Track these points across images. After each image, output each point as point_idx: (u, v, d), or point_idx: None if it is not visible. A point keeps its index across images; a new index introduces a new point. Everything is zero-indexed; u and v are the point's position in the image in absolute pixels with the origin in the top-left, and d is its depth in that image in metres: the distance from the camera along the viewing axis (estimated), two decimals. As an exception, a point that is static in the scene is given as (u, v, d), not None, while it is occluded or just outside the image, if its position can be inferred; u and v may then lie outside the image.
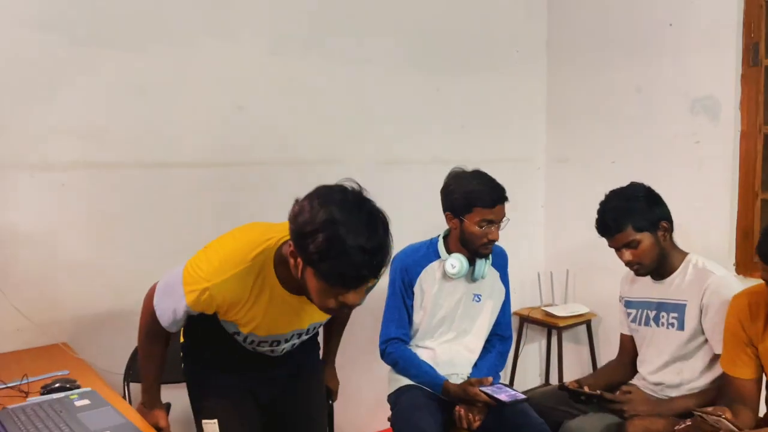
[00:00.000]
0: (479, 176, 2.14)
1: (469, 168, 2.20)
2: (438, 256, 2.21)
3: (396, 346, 2.20)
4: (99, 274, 2.24)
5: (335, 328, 2.01)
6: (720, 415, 1.42)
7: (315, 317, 1.61)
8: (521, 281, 3.34)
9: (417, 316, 2.21)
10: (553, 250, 3.49)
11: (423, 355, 2.20)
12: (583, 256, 3.32)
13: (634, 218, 1.92)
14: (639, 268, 1.97)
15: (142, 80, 2.28)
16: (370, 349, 2.33)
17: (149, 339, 1.67)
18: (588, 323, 3.24)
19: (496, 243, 2.25)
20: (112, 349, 2.19)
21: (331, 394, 2.05)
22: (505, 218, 2.13)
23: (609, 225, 1.95)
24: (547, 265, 3.46)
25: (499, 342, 2.30)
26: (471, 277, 2.19)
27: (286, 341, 1.67)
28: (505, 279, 2.34)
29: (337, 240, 1.21)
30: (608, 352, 3.23)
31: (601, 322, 3.28)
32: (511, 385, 2.93)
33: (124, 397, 1.99)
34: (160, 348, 1.68)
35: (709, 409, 1.48)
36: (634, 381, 2.08)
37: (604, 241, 3.20)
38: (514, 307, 3.33)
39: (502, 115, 3.32)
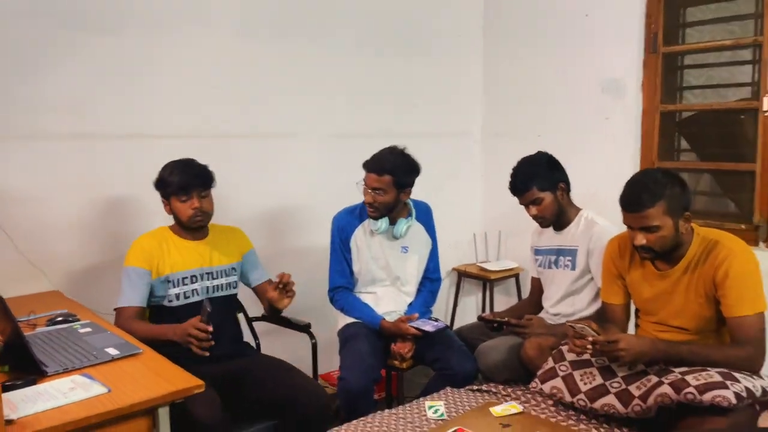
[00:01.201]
0: (386, 149, 2.53)
1: (412, 145, 2.60)
2: (366, 217, 2.59)
3: (341, 294, 2.62)
4: (87, 232, 2.58)
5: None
6: (584, 324, 1.87)
7: (215, 260, 2.33)
8: (459, 241, 3.79)
9: (356, 267, 2.61)
10: (489, 214, 3.94)
11: (366, 298, 2.61)
12: (514, 219, 3.76)
13: (537, 180, 2.35)
14: (542, 221, 2.41)
15: (124, 60, 2.60)
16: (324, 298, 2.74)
17: (136, 326, 2.13)
18: (517, 276, 3.71)
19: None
20: (100, 295, 2.53)
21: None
22: (376, 189, 2.46)
23: (518, 186, 2.38)
24: (483, 226, 3.91)
25: (429, 283, 2.73)
26: (393, 235, 2.58)
27: (201, 278, 2.29)
28: (431, 231, 2.73)
29: (171, 173, 2.24)
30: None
31: (527, 274, 3.73)
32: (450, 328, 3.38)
33: None
34: (141, 323, 2.20)
35: (580, 321, 1.94)
36: (541, 315, 2.53)
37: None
38: (454, 263, 3.79)
39: (445, 93, 3.72)
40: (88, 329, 1.98)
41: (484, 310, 3.92)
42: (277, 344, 2.68)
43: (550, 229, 2.50)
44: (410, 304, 2.64)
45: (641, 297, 2.08)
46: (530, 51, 3.61)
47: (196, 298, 2.28)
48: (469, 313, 3.95)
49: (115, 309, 2.20)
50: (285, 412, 2.10)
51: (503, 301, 3.85)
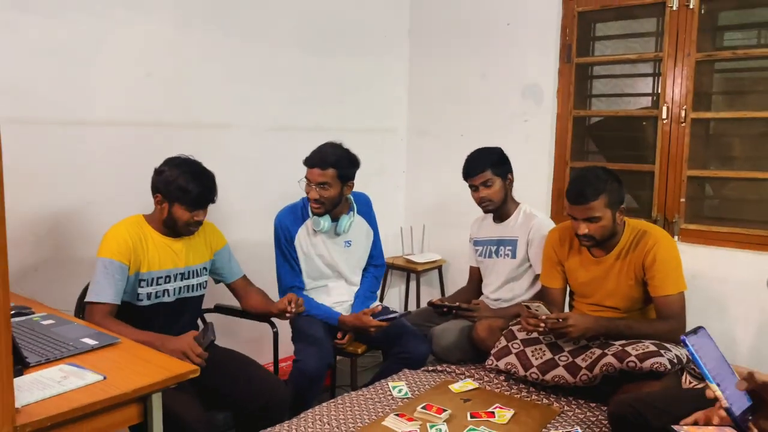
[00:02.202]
0: (326, 144, 2.57)
1: (344, 141, 2.65)
2: (309, 215, 2.62)
3: (295, 294, 2.60)
4: (23, 221, 2.44)
5: (254, 295, 2.46)
6: (539, 303, 2.08)
7: (189, 260, 2.26)
8: (386, 234, 3.91)
9: (303, 265, 2.64)
10: (412, 209, 4.12)
11: (318, 292, 2.66)
12: (437, 213, 3.99)
13: (492, 164, 2.56)
14: (488, 204, 2.60)
15: (62, 44, 2.48)
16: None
17: (115, 327, 1.98)
18: (440, 268, 3.92)
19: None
20: (49, 291, 2.41)
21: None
22: (321, 184, 2.47)
23: (473, 166, 2.56)
24: (407, 220, 4.09)
25: (373, 269, 2.85)
26: (335, 231, 2.63)
27: (174, 279, 2.23)
28: (371, 222, 2.84)
29: (188, 181, 2.12)
30: (454, 288, 3.95)
31: (450, 266, 3.97)
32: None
33: None
34: (119, 324, 2.04)
35: (530, 300, 2.15)
36: (481, 299, 2.74)
37: (453, 200, 3.94)
38: (381, 255, 3.91)
39: (372, 91, 3.85)
40: (51, 321, 1.91)
41: (407, 298, 4.10)
42: (231, 336, 2.69)
43: (490, 221, 2.71)
44: (356, 294, 2.74)
45: (578, 281, 2.33)
46: (455, 54, 3.82)
47: (166, 299, 2.22)
48: (393, 302, 4.12)
49: (86, 303, 2.10)
50: (243, 404, 2.13)
51: (427, 290, 4.05)
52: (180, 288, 2.26)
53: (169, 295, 2.23)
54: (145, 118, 2.79)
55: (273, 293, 2.65)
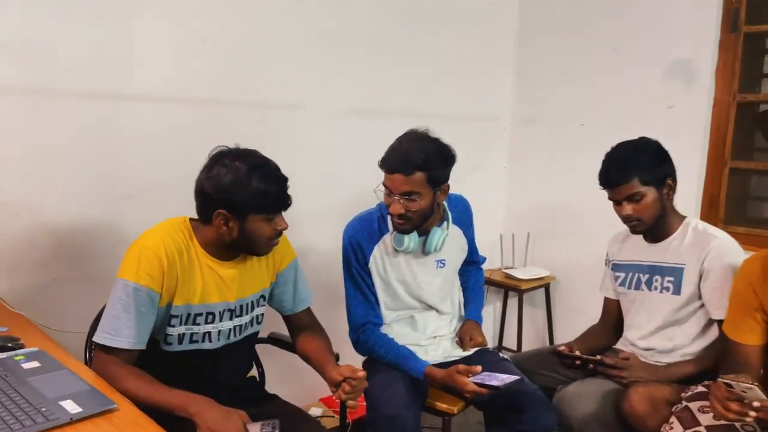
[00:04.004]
0: (403, 138, 1.88)
1: (431, 129, 1.95)
2: (388, 229, 1.97)
3: (370, 332, 1.96)
4: (37, 217, 1.94)
5: (314, 337, 1.79)
6: (751, 383, 1.36)
7: (243, 289, 1.64)
8: (481, 243, 3.21)
9: (380, 295, 2.00)
10: (515, 213, 3.42)
11: (400, 326, 2.03)
12: (545, 219, 3.29)
13: (641, 170, 1.83)
14: (637, 225, 1.89)
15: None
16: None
17: (132, 384, 1.40)
18: (546, 287, 3.21)
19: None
20: (55, 304, 1.94)
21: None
22: (407, 194, 1.82)
23: (614, 175, 1.85)
24: (508, 227, 3.40)
25: (475, 270, 2.21)
26: (423, 250, 1.97)
27: (220, 318, 1.60)
28: (469, 234, 2.18)
29: (265, 180, 1.49)
30: (564, 315, 3.24)
31: (559, 285, 3.26)
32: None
33: (85, 362, 1.70)
34: (139, 377, 1.44)
35: (733, 376, 1.42)
36: (620, 346, 2.03)
37: (566, 203, 3.21)
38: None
39: (472, 70, 3.18)
40: (35, 363, 1.37)
41: (504, 323, 3.41)
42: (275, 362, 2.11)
43: (639, 239, 1.99)
44: (467, 284, 2.15)
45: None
46: (576, 22, 3.09)
47: (204, 345, 1.59)
48: (487, 325, 3.44)
49: (95, 345, 1.48)
50: None
51: (530, 314, 3.35)
52: (229, 331, 1.62)
53: (210, 341, 1.60)
54: (195, 93, 2.25)
55: (343, 317, 2.05)
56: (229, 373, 1.67)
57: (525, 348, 3.23)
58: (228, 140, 2.26)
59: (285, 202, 1.55)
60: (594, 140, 3.01)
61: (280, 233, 1.57)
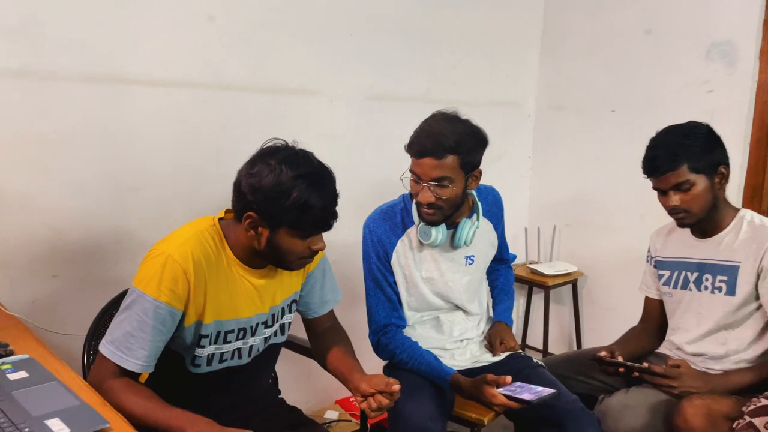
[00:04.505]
0: (434, 119, 1.71)
1: (459, 110, 1.76)
2: (412, 222, 1.80)
3: (392, 334, 1.79)
4: (33, 210, 1.80)
5: (336, 342, 1.61)
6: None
7: (275, 297, 1.47)
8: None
9: (403, 295, 1.84)
10: (540, 205, 3.25)
11: (425, 327, 1.88)
12: (572, 211, 3.12)
13: (690, 157, 1.65)
14: (685, 217, 1.71)
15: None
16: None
17: (131, 401, 1.25)
18: (574, 283, 3.05)
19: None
20: (54, 304, 1.81)
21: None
22: (438, 180, 1.65)
23: (660, 162, 1.68)
24: (533, 219, 3.23)
25: (505, 268, 2.05)
26: (452, 244, 1.80)
27: (253, 333, 1.43)
28: (500, 228, 2.00)
29: (310, 193, 1.28)
30: (592, 314, 3.08)
31: (587, 281, 3.09)
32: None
33: (83, 366, 1.57)
34: (138, 393, 1.28)
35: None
36: (664, 350, 1.86)
37: (595, 195, 3.03)
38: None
39: (495, 54, 3.01)
40: (23, 374, 1.23)
41: (528, 321, 3.25)
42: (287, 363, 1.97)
43: (686, 233, 1.82)
44: (495, 283, 2.00)
45: None
46: (607, 3, 2.91)
47: (235, 362, 1.44)
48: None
49: (99, 353, 1.32)
50: None
51: (557, 312, 3.19)
52: (259, 344, 1.46)
53: (240, 357, 1.44)
54: (202, 77, 2.09)
55: (362, 318, 1.90)
56: (254, 388, 1.53)
57: (551, 348, 3.06)
58: (238, 128, 2.16)
59: (327, 222, 1.33)
60: (625, 127, 2.87)
61: (315, 253, 1.38)
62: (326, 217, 1.32)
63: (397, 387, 1.37)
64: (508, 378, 1.58)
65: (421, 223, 1.75)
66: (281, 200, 1.27)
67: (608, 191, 2.95)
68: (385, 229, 1.81)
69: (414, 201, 1.74)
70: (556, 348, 3.18)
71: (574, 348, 3.12)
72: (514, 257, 2.17)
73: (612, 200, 2.94)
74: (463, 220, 1.79)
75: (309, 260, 1.41)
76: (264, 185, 1.27)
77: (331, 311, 1.65)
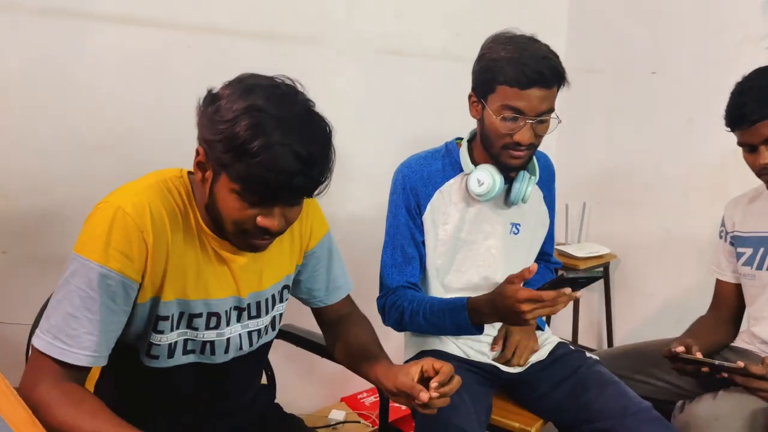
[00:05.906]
0: (522, 41, 1.40)
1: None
2: (459, 170, 1.52)
3: (401, 292, 1.50)
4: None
5: (355, 331, 1.30)
6: None
7: (257, 279, 1.13)
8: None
9: (430, 259, 1.53)
10: (568, 179, 2.92)
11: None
12: (605, 186, 2.81)
13: None
14: None
15: None
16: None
17: (70, 411, 0.92)
18: (606, 266, 2.74)
19: (540, 149, 1.63)
20: (2, 287, 1.48)
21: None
22: (548, 116, 1.40)
23: (750, 109, 1.36)
24: (560, 196, 2.89)
25: (543, 267, 1.71)
26: (505, 200, 1.52)
27: (227, 320, 1.10)
28: (550, 200, 1.70)
29: (262, 131, 0.90)
30: (626, 300, 2.78)
31: (620, 264, 2.78)
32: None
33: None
34: (89, 408, 0.94)
35: None
36: (743, 345, 1.55)
37: (631, 169, 2.72)
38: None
39: (519, 8, 2.67)
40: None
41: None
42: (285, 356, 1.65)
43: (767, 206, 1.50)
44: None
45: None
46: (648, -50, 2.58)
47: (204, 359, 1.11)
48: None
49: (32, 350, 0.97)
50: None
51: (587, 298, 2.88)
52: (242, 341, 1.14)
53: (215, 354, 1.11)
54: (185, 17, 1.76)
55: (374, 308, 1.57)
56: (237, 394, 1.19)
57: (581, 341, 2.76)
58: (226, 78, 1.83)
59: (287, 185, 0.92)
60: (668, 91, 2.55)
61: (263, 231, 0.98)
62: (285, 177, 0.91)
63: (449, 367, 1.07)
64: (533, 267, 1.24)
65: (476, 169, 1.46)
66: (220, 126, 0.92)
67: (647, 164, 2.64)
68: (421, 175, 1.51)
69: (492, 138, 1.41)
70: (585, 340, 2.88)
71: (604, 340, 2.81)
72: (560, 264, 1.83)
73: (651, 175, 2.63)
74: (522, 172, 1.49)
75: (256, 241, 1.01)
76: (213, 104, 0.95)
77: (348, 297, 1.33)
